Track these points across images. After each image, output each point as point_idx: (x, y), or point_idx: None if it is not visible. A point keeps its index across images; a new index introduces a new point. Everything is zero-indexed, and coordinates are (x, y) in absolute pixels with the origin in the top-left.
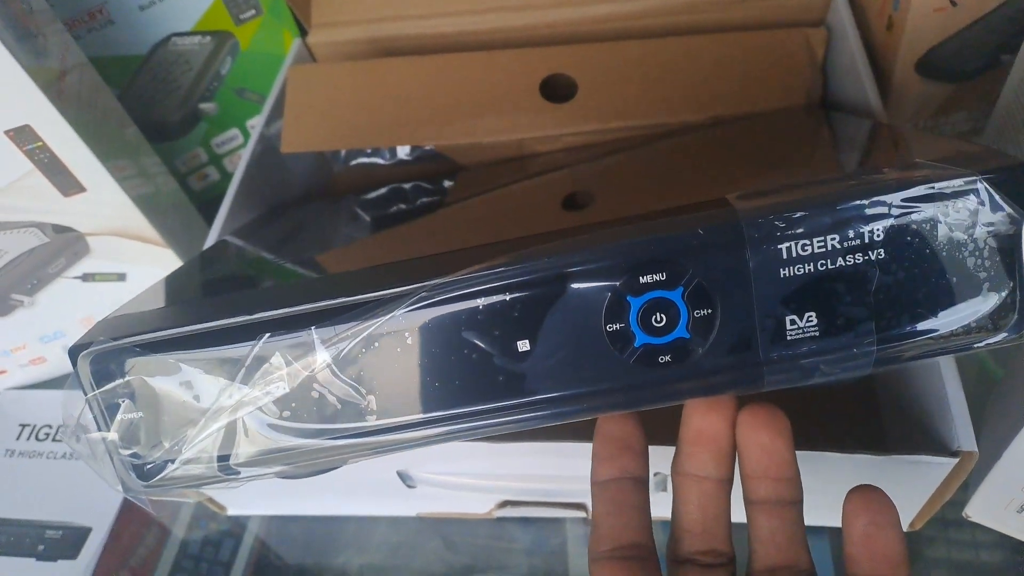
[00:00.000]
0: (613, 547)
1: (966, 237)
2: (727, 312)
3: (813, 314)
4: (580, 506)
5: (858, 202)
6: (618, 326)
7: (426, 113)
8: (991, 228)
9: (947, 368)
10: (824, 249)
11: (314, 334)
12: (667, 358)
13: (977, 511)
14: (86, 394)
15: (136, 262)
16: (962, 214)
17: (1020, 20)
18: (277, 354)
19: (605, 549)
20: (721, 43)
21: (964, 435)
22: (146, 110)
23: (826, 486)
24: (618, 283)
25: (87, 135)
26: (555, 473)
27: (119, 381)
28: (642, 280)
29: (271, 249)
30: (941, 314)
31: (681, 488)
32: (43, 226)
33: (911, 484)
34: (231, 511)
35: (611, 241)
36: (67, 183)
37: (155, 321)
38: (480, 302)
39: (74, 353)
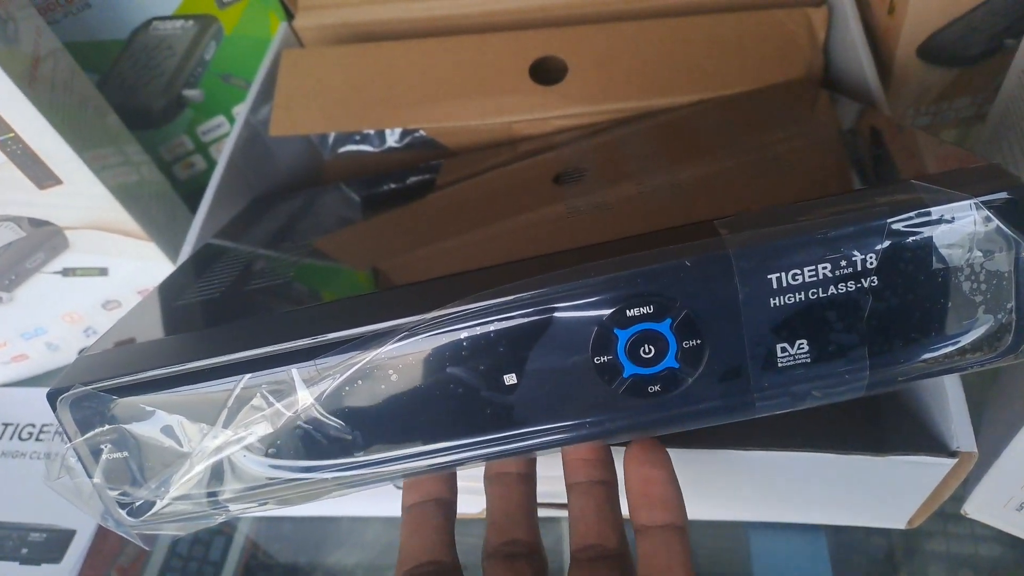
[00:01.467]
0: (413, 566)
1: (962, 262)
2: (716, 342)
3: (804, 342)
4: None
5: (850, 229)
6: (606, 358)
7: (416, 96)
8: (987, 251)
9: None
10: (815, 278)
11: (295, 374)
12: (656, 388)
13: (976, 508)
14: (69, 440)
15: (118, 256)
16: (958, 238)
17: None
18: (259, 395)
19: (405, 570)
20: (718, 23)
21: (963, 435)
22: (128, 97)
23: (824, 486)
24: (605, 317)
25: (63, 125)
26: (546, 474)
27: (100, 429)
28: (629, 313)
29: (263, 246)
30: (936, 337)
31: (488, 489)
32: (19, 220)
33: (910, 484)
34: None
35: (596, 275)
36: (42, 175)
37: (135, 361)
38: (464, 339)
39: (53, 398)
